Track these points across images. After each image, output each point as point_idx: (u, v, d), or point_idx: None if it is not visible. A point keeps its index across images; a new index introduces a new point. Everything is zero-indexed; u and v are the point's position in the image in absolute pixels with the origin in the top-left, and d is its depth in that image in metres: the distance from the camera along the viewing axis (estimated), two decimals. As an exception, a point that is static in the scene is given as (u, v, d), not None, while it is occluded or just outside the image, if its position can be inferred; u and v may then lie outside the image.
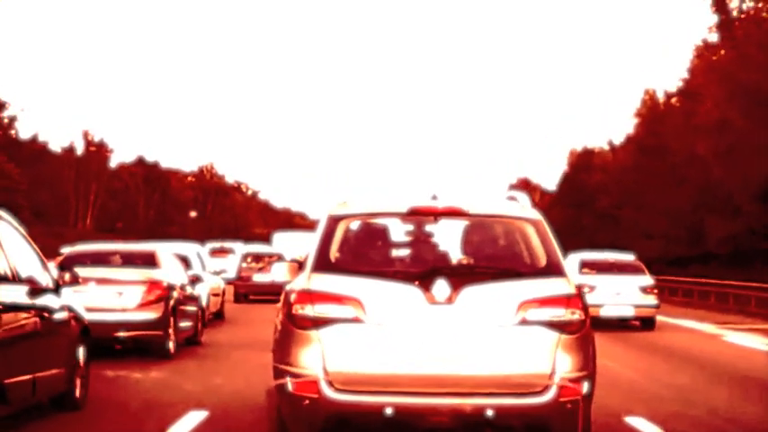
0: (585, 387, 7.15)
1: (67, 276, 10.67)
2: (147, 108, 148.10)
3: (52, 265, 12.97)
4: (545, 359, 7.05)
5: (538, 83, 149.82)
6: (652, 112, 54.11)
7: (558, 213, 70.84)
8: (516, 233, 7.86)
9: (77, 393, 10.39)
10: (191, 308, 16.68)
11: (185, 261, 22.20)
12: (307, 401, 6.99)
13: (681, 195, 45.61)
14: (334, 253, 7.53)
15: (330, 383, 6.97)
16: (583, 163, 65.96)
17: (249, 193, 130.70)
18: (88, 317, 12.37)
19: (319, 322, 7.07)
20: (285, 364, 7.16)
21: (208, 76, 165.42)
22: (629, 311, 23.33)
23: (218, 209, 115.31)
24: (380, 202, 7.99)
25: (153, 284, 14.66)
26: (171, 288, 15.14)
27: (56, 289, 10.27)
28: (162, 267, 15.57)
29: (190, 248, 23.66)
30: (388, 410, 6.91)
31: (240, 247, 46.90)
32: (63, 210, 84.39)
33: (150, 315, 14.49)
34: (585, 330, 7.29)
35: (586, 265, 24.38)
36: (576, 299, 7.33)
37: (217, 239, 60.70)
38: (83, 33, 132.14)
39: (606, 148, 64.73)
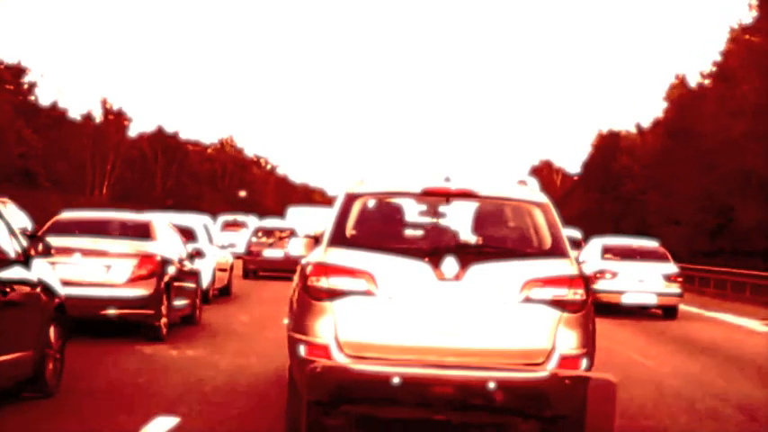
0: (584, 364, 7.40)
1: (40, 247, 9.45)
2: (167, 79, 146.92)
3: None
4: (546, 336, 7.33)
5: (563, 65, 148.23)
6: (683, 96, 52.31)
7: (581, 197, 69.30)
8: (524, 215, 8.18)
9: (48, 378, 9.24)
10: (188, 285, 15.38)
11: (190, 234, 21.07)
12: (318, 368, 7.21)
13: (712, 181, 43.76)
14: (349, 229, 7.82)
15: (341, 351, 7.26)
16: (609, 146, 64.23)
17: (268, 167, 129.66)
18: (72, 292, 11.27)
19: (333, 294, 7.36)
20: (299, 332, 7.44)
21: (230, 48, 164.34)
22: (651, 299, 22.63)
23: (236, 182, 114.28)
24: (396, 181, 8.30)
25: (145, 258, 13.36)
26: (165, 262, 13.85)
27: (25, 261, 9.08)
28: (156, 240, 14.27)
29: (196, 220, 22.44)
30: (396, 379, 7.09)
31: (254, 221, 45.75)
32: (80, 178, 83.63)
33: (140, 292, 13.20)
34: (587, 310, 7.52)
35: (609, 251, 23.72)
36: (579, 279, 7.55)
37: (232, 212, 59.59)
38: (107, 3, 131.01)
39: (633, 131, 63.08)
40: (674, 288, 22.75)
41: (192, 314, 15.89)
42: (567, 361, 7.34)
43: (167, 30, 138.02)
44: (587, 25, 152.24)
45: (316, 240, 8.25)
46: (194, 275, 16.02)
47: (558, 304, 7.39)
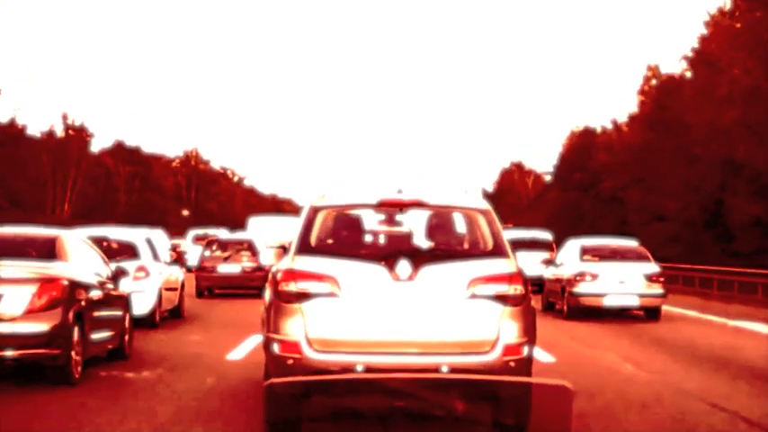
0: (526, 351, 8.24)
1: None
2: (129, 93, 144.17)
3: None
4: (491, 327, 8.14)
5: (530, 65, 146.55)
6: (661, 87, 49.86)
7: (558, 197, 66.85)
8: (469, 221, 9.12)
9: None
10: (112, 312, 12.81)
11: (131, 250, 18.52)
12: (290, 361, 8.07)
13: (699, 174, 41.05)
14: (314, 238, 8.64)
15: (310, 347, 8.05)
16: (584, 143, 61.77)
17: (235, 179, 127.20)
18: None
19: (301, 296, 8.19)
20: (273, 332, 8.25)
21: (192, 60, 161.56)
22: (633, 301, 21.81)
23: (202, 195, 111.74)
24: (354, 194, 9.13)
25: (47, 283, 10.72)
26: (76, 287, 11.24)
27: None
28: (66, 260, 11.69)
29: (137, 234, 19.75)
30: (359, 368, 7.91)
31: (225, 235, 43.46)
32: (40, 196, 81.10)
33: (41, 326, 10.55)
34: (526, 303, 8.32)
35: (588, 252, 22.85)
36: (517, 276, 8.32)
37: (203, 226, 57.78)
38: (68, 17, 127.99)
39: (609, 127, 60.68)
40: (657, 289, 21.89)
41: (119, 347, 13.32)
42: (510, 348, 8.18)
43: (128, 43, 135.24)
44: (552, 24, 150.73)
45: (284, 250, 9.11)
46: (121, 300, 13.44)
47: (501, 299, 8.23)
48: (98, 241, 15.25)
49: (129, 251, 18.38)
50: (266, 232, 35.24)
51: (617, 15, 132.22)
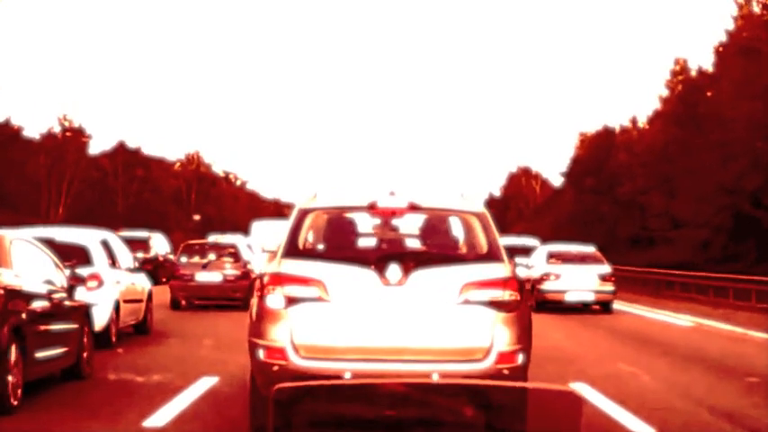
0: (521, 358, 7.94)
1: None
2: (131, 96, 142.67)
3: None
4: (485, 334, 7.86)
5: (538, 70, 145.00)
6: (690, 81, 47.10)
7: (569, 201, 64.40)
8: (464, 224, 9.02)
9: None
10: (65, 326, 10.57)
11: (82, 253, 15.84)
12: (276, 367, 7.80)
13: (733, 175, 37.93)
14: (303, 241, 8.47)
15: (297, 353, 7.82)
16: (601, 145, 59.05)
17: (238, 183, 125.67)
18: None
19: (287, 301, 7.91)
20: (258, 338, 7.97)
21: (195, 64, 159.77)
22: (589, 297, 25.88)
23: (203, 199, 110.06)
24: (345, 197, 8.97)
25: (-28, 293, 8.62)
26: (14, 297, 9.05)
27: None
28: (5, 264, 9.35)
29: (90, 236, 16.97)
30: (347, 375, 7.57)
31: (240, 240, 41.40)
32: (34, 198, 79.72)
33: (-34, 345, 8.46)
34: (521, 309, 8.07)
35: (553, 256, 27.06)
36: (512, 281, 8.08)
37: (218, 232, 56.15)
38: (69, 17, 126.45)
39: (629, 125, 58.07)
40: (608, 286, 25.91)
41: (76, 365, 11.11)
42: (504, 356, 7.85)
43: (131, 45, 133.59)
44: (558, 28, 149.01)
45: (274, 254, 8.58)
46: (77, 312, 11.23)
47: (494, 305, 7.91)
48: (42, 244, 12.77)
49: (79, 255, 15.69)
50: (270, 237, 33.29)
51: (625, 18, 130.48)
